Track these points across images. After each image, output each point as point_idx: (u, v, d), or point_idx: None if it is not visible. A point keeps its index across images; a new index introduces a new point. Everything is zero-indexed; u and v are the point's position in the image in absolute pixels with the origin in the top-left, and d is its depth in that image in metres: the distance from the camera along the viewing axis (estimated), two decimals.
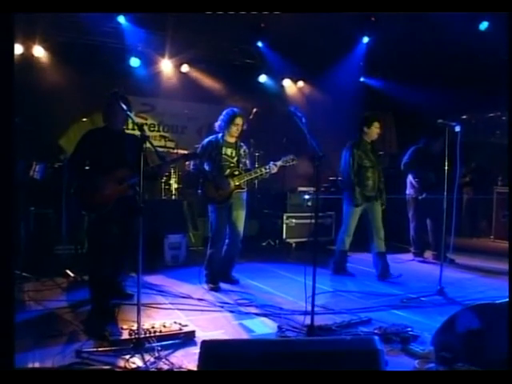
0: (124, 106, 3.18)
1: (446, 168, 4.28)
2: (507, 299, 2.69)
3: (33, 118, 6.21)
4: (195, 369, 2.35)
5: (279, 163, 4.35)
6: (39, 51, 6.90)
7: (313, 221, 3.13)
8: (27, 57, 6.78)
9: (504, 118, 8.76)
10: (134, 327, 2.77)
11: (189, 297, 3.94)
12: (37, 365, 2.45)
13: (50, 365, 2.44)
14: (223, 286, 4.34)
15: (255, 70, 8.59)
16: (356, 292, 4.30)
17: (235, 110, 4.43)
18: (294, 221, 6.67)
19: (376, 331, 3.07)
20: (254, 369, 1.58)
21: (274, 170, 4.36)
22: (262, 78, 8.64)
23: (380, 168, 4.99)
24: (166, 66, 7.99)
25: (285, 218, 6.63)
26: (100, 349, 2.62)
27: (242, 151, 4.51)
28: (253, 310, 3.66)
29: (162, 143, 7.78)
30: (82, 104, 7.16)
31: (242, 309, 3.66)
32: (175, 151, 7.26)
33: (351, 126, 9.71)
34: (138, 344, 2.59)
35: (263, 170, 4.38)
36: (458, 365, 2.49)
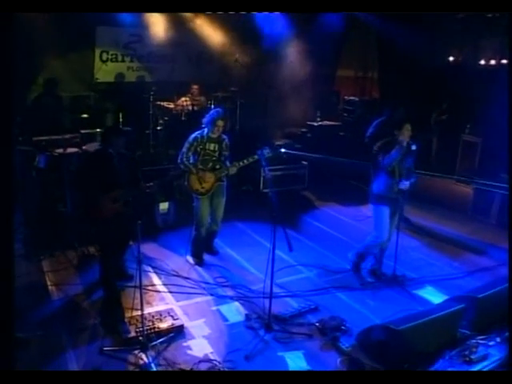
0: (112, 142, 3.88)
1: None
2: (412, 323, 3.69)
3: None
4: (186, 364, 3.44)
5: (256, 157, 4.95)
6: None
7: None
8: None
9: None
10: (139, 324, 3.80)
11: (178, 275, 4.95)
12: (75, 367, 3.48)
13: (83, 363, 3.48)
14: (205, 258, 5.34)
15: None
16: (314, 267, 5.30)
17: (219, 111, 5.02)
18: (270, 173, 7.37)
19: (317, 324, 4.15)
20: None
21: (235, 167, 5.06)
22: None
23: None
24: None
25: (261, 170, 7.31)
26: (116, 348, 3.66)
27: (223, 145, 5.15)
28: (228, 291, 4.72)
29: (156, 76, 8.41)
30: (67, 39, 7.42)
31: (220, 290, 4.72)
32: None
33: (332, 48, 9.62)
34: (144, 345, 3.63)
35: (241, 163, 5.10)
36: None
